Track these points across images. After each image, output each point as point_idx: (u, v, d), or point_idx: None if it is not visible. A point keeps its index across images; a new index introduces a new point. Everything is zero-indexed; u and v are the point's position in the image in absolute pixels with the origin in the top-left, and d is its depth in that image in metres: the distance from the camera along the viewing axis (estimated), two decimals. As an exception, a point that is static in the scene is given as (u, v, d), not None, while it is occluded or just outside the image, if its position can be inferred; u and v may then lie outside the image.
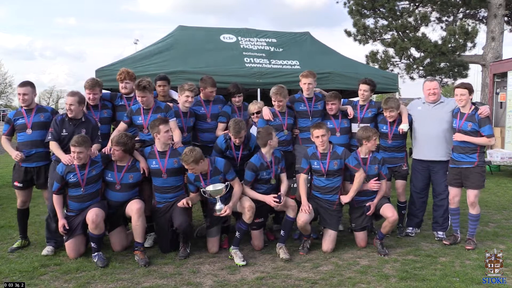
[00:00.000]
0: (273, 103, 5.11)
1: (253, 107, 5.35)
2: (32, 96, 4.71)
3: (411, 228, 5.25)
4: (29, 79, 4.92)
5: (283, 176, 4.81)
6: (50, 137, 4.54)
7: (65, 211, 4.49)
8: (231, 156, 4.86)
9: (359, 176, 4.68)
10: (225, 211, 4.41)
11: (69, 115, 4.58)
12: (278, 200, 4.51)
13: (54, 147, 4.53)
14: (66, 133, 4.54)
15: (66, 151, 4.49)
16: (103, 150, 4.61)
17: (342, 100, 5.37)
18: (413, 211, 5.29)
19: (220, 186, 4.43)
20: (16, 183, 4.72)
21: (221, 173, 4.55)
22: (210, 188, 4.43)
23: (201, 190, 4.50)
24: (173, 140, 4.66)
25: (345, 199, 4.70)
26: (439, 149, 4.99)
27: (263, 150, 4.65)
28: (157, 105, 4.85)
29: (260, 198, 4.60)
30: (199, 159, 4.33)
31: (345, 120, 5.30)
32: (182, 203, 4.47)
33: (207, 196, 4.49)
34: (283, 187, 4.75)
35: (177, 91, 5.21)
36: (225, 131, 5.01)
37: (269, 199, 4.53)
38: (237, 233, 4.48)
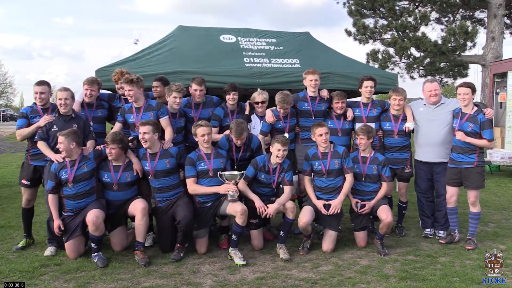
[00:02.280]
0: (278, 109, 5.09)
1: (259, 96, 5.23)
2: (48, 95, 4.76)
3: (428, 230, 5.19)
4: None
5: (286, 188, 4.74)
6: (37, 137, 4.55)
7: (63, 211, 4.49)
8: (231, 157, 4.89)
9: (349, 179, 4.70)
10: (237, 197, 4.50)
11: (63, 110, 4.57)
12: (263, 210, 4.55)
13: (42, 146, 4.53)
14: (57, 129, 4.52)
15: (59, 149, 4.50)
16: (96, 147, 4.62)
17: None
18: (424, 212, 5.26)
19: (236, 172, 4.55)
20: (23, 181, 4.73)
21: (224, 158, 4.68)
22: (226, 172, 4.52)
23: (218, 173, 4.52)
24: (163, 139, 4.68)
25: (334, 203, 4.65)
26: (441, 150, 4.99)
27: (272, 157, 4.68)
28: (148, 103, 4.85)
29: (251, 197, 4.61)
30: (211, 125, 4.69)
31: (346, 122, 5.27)
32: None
33: (222, 179, 4.50)
34: (282, 197, 4.67)
35: None
36: (226, 132, 5.00)
37: (259, 205, 4.55)
38: (233, 236, 4.48)
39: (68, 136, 4.30)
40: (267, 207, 4.56)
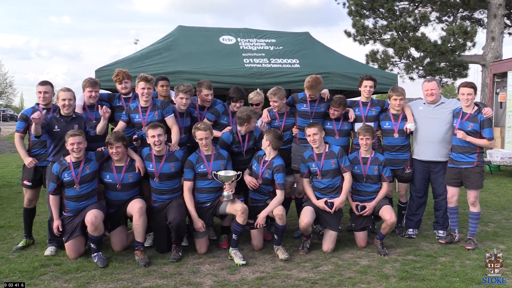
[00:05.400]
0: (270, 103, 5.15)
1: (255, 98, 5.27)
2: (51, 95, 4.79)
3: (411, 230, 5.21)
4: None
5: (278, 192, 4.64)
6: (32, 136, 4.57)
7: (63, 212, 4.49)
8: (238, 150, 4.88)
9: (348, 177, 4.70)
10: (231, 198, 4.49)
11: (66, 111, 4.57)
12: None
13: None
14: (58, 129, 4.53)
15: (60, 148, 4.53)
16: (98, 149, 4.61)
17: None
18: (412, 211, 5.28)
19: (231, 172, 4.50)
20: (25, 182, 4.74)
21: (224, 159, 4.65)
22: (222, 173, 4.47)
23: (213, 172, 4.49)
24: (170, 142, 4.67)
25: (337, 202, 4.65)
26: (440, 149, 4.99)
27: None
28: (154, 103, 4.86)
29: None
30: (211, 128, 4.61)
31: (345, 123, 5.25)
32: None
33: (217, 180, 4.46)
34: (272, 203, 4.59)
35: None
36: (227, 128, 4.98)
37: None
38: (233, 235, 4.47)
39: (83, 136, 4.37)
40: (256, 217, 4.57)
